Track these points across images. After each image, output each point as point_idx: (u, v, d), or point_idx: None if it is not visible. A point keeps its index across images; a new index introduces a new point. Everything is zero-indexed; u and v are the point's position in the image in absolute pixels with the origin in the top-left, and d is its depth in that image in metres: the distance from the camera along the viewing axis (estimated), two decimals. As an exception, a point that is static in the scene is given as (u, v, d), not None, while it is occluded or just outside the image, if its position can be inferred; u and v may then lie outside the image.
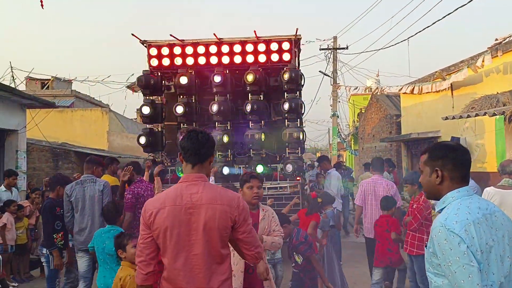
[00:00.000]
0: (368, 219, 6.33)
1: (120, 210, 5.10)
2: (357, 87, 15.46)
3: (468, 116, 7.78)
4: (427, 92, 10.66)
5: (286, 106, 7.99)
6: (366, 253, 6.63)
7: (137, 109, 29.76)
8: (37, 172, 14.56)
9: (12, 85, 18.52)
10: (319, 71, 19.64)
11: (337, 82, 19.41)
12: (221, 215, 2.47)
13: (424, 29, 9.62)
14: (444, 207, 2.01)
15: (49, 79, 24.38)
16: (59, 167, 14.89)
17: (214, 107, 8.03)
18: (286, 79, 7.97)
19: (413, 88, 11.22)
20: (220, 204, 2.49)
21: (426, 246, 2.03)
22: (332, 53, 19.43)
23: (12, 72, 18.29)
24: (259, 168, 7.84)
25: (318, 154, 57.50)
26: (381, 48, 27.91)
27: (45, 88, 24.57)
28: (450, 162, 2.06)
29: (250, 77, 7.97)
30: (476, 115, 7.48)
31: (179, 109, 7.98)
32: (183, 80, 7.96)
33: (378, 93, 14.90)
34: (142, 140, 8.11)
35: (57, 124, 18.72)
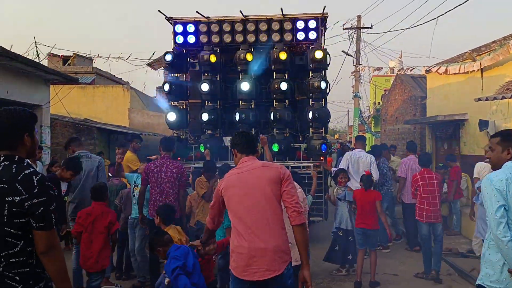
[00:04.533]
0: (409, 189, 7.58)
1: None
2: (381, 67, 15.24)
3: (503, 98, 7.59)
4: (454, 73, 10.41)
5: (311, 85, 7.91)
6: (406, 218, 8.18)
7: (158, 87, 29.88)
8: (60, 147, 14.77)
9: (36, 61, 18.65)
10: (342, 51, 19.37)
11: (360, 63, 19.11)
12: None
13: (455, 7, 9.31)
14: None
15: (71, 56, 24.49)
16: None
17: (238, 85, 7.99)
18: (312, 58, 7.86)
19: (439, 68, 10.97)
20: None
21: None
22: (355, 32, 19.09)
23: (37, 47, 18.39)
24: (275, 147, 7.82)
25: (336, 136, 57.07)
26: (408, 28, 27.23)
27: (66, 64, 24.71)
28: None
29: (275, 56, 7.89)
30: (512, 96, 7.30)
31: (204, 87, 7.95)
32: (209, 57, 7.91)
33: (403, 74, 14.63)
34: (172, 117, 8.09)
35: (79, 100, 18.90)
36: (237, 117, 8.02)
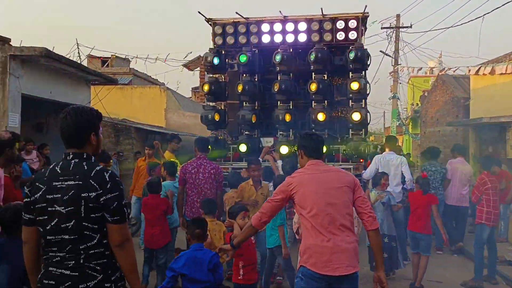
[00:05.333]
0: (455, 190, 7.98)
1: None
2: (420, 67, 14.83)
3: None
4: (501, 74, 10.01)
5: (351, 86, 7.75)
6: (446, 220, 7.71)
7: (193, 88, 30.17)
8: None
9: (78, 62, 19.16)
10: (380, 51, 18.99)
11: (399, 63, 18.69)
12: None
13: (503, 4, 8.93)
14: None
15: (110, 57, 25.05)
16: (120, 143, 15.32)
17: (277, 86, 7.92)
18: (352, 58, 7.71)
19: (485, 68, 10.57)
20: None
21: None
22: (394, 32, 18.68)
23: (78, 49, 18.91)
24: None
25: (372, 138, 55.99)
26: (450, 27, 26.44)
27: (105, 66, 25.27)
28: None
29: (314, 56, 7.77)
30: None
31: (243, 88, 7.93)
32: (246, 58, 7.88)
33: (444, 74, 14.20)
34: (211, 116, 8.09)
35: (118, 100, 19.26)
36: (275, 118, 7.96)
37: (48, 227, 2.34)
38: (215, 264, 3.74)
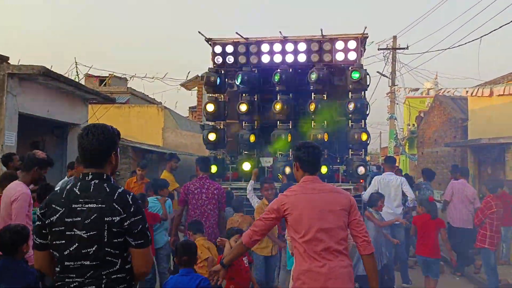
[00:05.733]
0: (458, 212, 7.91)
1: None
2: (417, 88, 14.90)
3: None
4: (499, 95, 10.05)
5: (351, 106, 7.76)
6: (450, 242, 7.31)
7: (190, 107, 30.21)
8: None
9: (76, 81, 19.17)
10: (377, 72, 19.11)
11: (396, 84, 18.80)
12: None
13: (501, 26, 9.02)
14: None
15: (107, 77, 25.11)
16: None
17: (277, 106, 7.90)
18: (352, 79, 7.73)
19: (483, 90, 10.62)
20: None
21: None
22: (391, 53, 18.85)
23: (77, 67, 18.93)
24: (323, 169, 7.63)
25: (368, 158, 55.99)
26: (448, 48, 26.48)
27: (102, 85, 25.31)
28: None
29: (314, 76, 7.79)
30: None
31: (243, 108, 7.91)
32: (246, 78, 7.89)
33: (442, 95, 14.27)
34: (212, 136, 8.03)
35: (115, 119, 19.16)
36: (274, 137, 7.93)
37: (66, 252, 2.20)
38: None
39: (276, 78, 7.87)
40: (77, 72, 19.02)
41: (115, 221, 2.19)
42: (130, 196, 2.29)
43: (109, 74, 25.13)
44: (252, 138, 8.03)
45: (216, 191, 5.66)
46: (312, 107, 7.91)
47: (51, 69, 8.61)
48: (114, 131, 2.43)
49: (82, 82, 22.14)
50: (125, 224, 2.22)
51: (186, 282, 3.59)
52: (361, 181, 7.85)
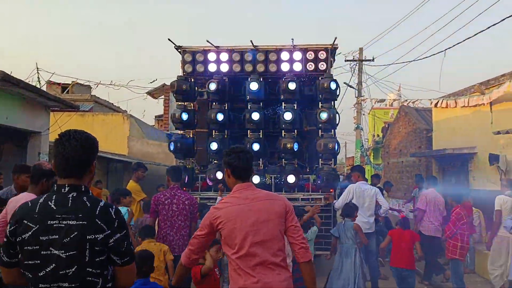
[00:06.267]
0: (432, 220, 7.93)
1: None
2: (383, 99, 15.14)
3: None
4: (462, 107, 10.33)
5: (321, 116, 7.78)
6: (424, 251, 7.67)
7: (156, 116, 29.74)
8: (58, 176, 14.46)
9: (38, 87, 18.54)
10: (344, 83, 19.37)
11: (362, 95, 19.12)
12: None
13: (464, 40, 9.30)
14: None
15: (70, 84, 24.43)
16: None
17: (247, 115, 7.84)
18: (322, 89, 7.77)
19: (447, 101, 10.89)
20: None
21: None
22: (357, 64, 19.18)
23: (38, 73, 18.29)
24: (291, 178, 7.60)
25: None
26: (413, 60, 27.06)
27: (65, 92, 24.60)
28: None
29: (285, 86, 7.78)
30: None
31: (213, 116, 7.79)
32: (216, 87, 7.79)
33: (407, 106, 14.58)
34: (172, 146, 7.87)
35: (78, 127, 18.25)
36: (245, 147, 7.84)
37: (41, 274, 1.95)
38: None
39: (248, 87, 7.81)
40: (38, 78, 18.38)
41: (98, 239, 1.99)
42: (113, 210, 2.10)
43: (72, 81, 24.44)
44: (223, 148, 7.92)
45: (187, 202, 5.49)
46: (283, 116, 7.88)
47: (11, 75, 8.24)
48: (93, 138, 2.23)
49: (44, 88, 21.46)
50: (110, 241, 2.03)
51: None
52: (331, 190, 7.86)
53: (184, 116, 7.85)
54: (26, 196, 3.83)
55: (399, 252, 5.85)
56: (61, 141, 2.10)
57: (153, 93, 24.09)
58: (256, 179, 7.48)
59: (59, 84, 24.23)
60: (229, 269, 2.96)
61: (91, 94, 23.90)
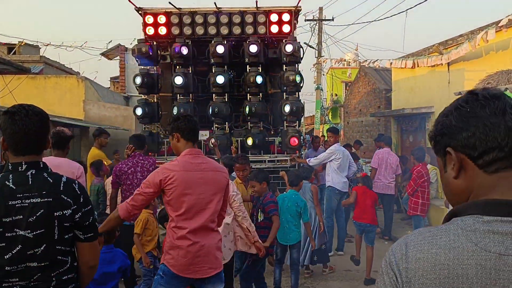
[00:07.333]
0: (383, 178, 8.27)
1: None
2: (341, 59, 15.26)
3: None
4: (421, 67, 10.59)
5: (286, 78, 7.80)
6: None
7: (112, 78, 28.76)
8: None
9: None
10: (304, 43, 19.25)
11: (322, 55, 19.15)
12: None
13: (425, 0, 9.40)
14: None
15: (17, 44, 23.11)
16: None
17: (212, 79, 7.75)
18: (286, 51, 7.75)
19: (406, 62, 11.13)
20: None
21: None
22: (317, 24, 19.08)
23: (-18, 35, 17.13)
24: (249, 141, 7.72)
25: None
26: (373, 21, 27.26)
27: (12, 53, 23.28)
28: None
29: (250, 48, 7.70)
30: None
31: (178, 80, 7.64)
32: (183, 50, 7.62)
33: (366, 66, 14.80)
34: (139, 111, 7.72)
35: (30, 91, 17.77)
36: (210, 110, 7.79)
37: (7, 256, 1.87)
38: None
39: (212, 50, 7.68)
40: (-18, 39, 17.22)
41: (67, 214, 1.94)
42: (77, 185, 2.04)
43: (19, 42, 23.11)
44: (187, 112, 7.83)
45: (151, 168, 5.25)
46: (248, 79, 7.86)
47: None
48: (44, 111, 2.10)
49: (-12, 50, 20.24)
50: (76, 216, 1.98)
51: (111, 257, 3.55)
52: (296, 152, 7.99)
53: (138, 80, 7.67)
54: (52, 160, 3.85)
55: (363, 208, 6.08)
56: (19, 117, 1.97)
57: (107, 54, 23.19)
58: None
59: (4, 44, 22.87)
60: (168, 224, 3.19)
61: (41, 55, 22.75)
